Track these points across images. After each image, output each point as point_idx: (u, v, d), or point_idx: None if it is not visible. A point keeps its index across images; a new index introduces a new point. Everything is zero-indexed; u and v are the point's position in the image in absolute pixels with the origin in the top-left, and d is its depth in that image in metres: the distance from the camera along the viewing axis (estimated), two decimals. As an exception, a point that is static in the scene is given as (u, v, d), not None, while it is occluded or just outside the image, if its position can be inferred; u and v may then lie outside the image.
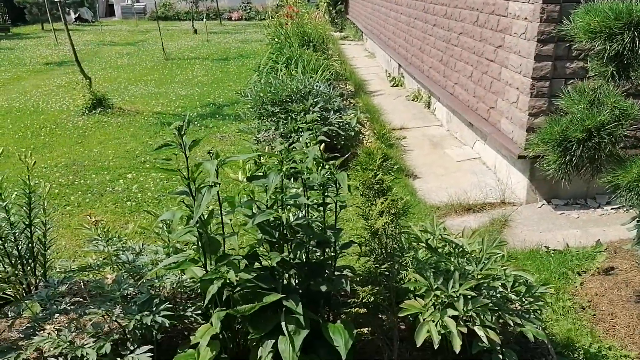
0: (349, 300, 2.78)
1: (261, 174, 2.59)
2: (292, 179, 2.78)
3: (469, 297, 2.56)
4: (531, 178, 5.17)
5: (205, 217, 2.56)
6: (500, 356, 2.60)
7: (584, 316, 3.52)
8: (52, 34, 20.49)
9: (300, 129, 5.84)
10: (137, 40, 21.21)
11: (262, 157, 2.69)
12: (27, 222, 3.25)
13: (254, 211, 2.64)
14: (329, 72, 8.86)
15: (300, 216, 2.74)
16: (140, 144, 7.69)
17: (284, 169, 2.47)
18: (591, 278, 3.86)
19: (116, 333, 2.58)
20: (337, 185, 2.63)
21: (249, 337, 2.60)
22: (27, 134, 8.41)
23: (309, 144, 2.71)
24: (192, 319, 2.71)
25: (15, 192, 3.36)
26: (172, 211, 2.53)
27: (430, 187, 5.84)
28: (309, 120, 2.90)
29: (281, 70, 8.63)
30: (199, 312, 2.73)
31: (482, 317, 2.54)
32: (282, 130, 6.14)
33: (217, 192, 2.48)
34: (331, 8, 21.07)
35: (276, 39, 10.56)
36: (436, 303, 2.57)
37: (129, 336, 2.58)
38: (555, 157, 2.82)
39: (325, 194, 2.68)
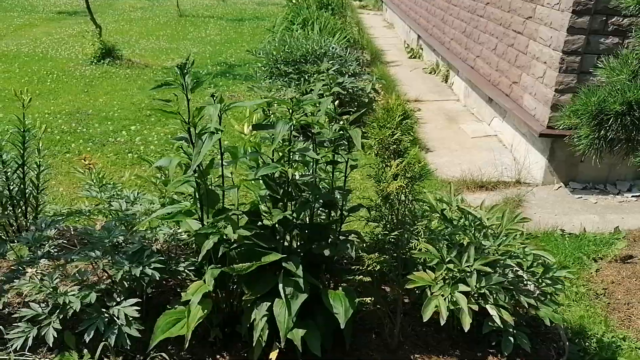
0: (353, 267, 2.59)
1: (269, 123, 2.38)
2: (301, 135, 2.58)
3: (483, 273, 2.38)
4: (550, 158, 4.95)
5: (205, 166, 2.37)
6: (511, 338, 2.42)
7: (598, 304, 3.34)
8: (67, -17, 20.11)
9: (313, 90, 5.61)
10: (153, -5, 20.83)
11: (270, 106, 2.48)
12: (19, 162, 3.07)
13: (259, 165, 2.45)
14: (346, 38, 8.57)
15: (307, 174, 2.55)
16: (147, 97, 7.48)
17: (294, 120, 2.26)
18: (608, 265, 3.67)
19: (103, 283, 2.41)
20: (350, 143, 2.43)
21: (243, 298, 2.43)
22: (33, 79, 8.22)
23: (322, 96, 2.50)
24: (185, 275, 2.54)
25: (10, 132, 3.16)
26: (169, 157, 2.33)
27: (443, 162, 5.61)
28: (323, 68, 2.68)
29: (297, 31, 8.35)
30: (193, 267, 2.55)
31: (495, 295, 2.36)
32: (294, 90, 5.91)
33: (219, 140, 2.29)
34: (352, -25, 20.55)
35: (294, 0, 10.24)
36: (447, 277, 2.39)
37: (116, 287, 2.42)
38: (588, 131, 2.59)
39: (336, 151, 2.48)
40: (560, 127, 2.77)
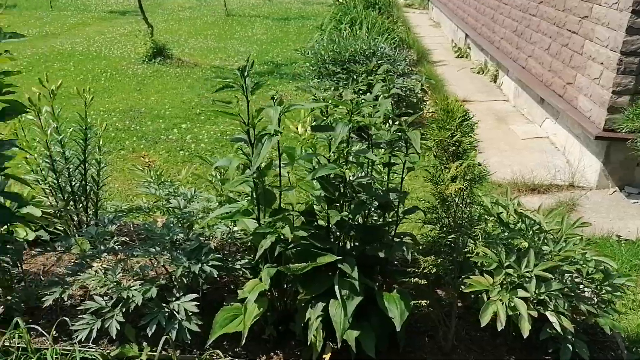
0: (408, 270, 2.59)
1: (327, 125, 2.39)
2: (355, 136, 2.58)
3: (542, 279, 2.33)
4: (605, 162, 4.81)
5: (263, 167, 2.40)
6: (570, 346, 2.38)
7: (657, 313, 3.24)
8: (118, -17, 20.62)
9: (362, 91, 5.60)
10: (200, -6, 21.15)
11: (328, 107, 2.49)
12: (81, 159, 3.18)
13: (314, 165, 2.46)
14: (393, 37, 8.52)
15: (362, 175, 2.55)
16: (197, 96, 7.61)
17: (353, 121, 2.27)
18: (668, 273, 3.55)
19: (163, 278, 2.48)
20: (407, 145, 2.42)
21: (298, 298, 2.46)
22: (88, 78, 8.47)
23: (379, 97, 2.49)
24: (241, 272, 2.58)
25: (72, 128, 3.27)
26: (229, 158, 2.38)
27: (492, 163, 5.52)
28: (382, 70, 2.68)
29: (345, 30, 8.35)
30: (249, 266, 2.59)
31: (554, 302, 2.31)
32: (342, 90, 5.92)
33: (278, 141, 2.31)
34: (398, -26, 20.38)
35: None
36: (504, 282, 2.35)
37: (175, 283, 2.48)
38: (653, 135, 2.51)
39: (393, 153, 2.47)
40: (623, 131, 2.69)
